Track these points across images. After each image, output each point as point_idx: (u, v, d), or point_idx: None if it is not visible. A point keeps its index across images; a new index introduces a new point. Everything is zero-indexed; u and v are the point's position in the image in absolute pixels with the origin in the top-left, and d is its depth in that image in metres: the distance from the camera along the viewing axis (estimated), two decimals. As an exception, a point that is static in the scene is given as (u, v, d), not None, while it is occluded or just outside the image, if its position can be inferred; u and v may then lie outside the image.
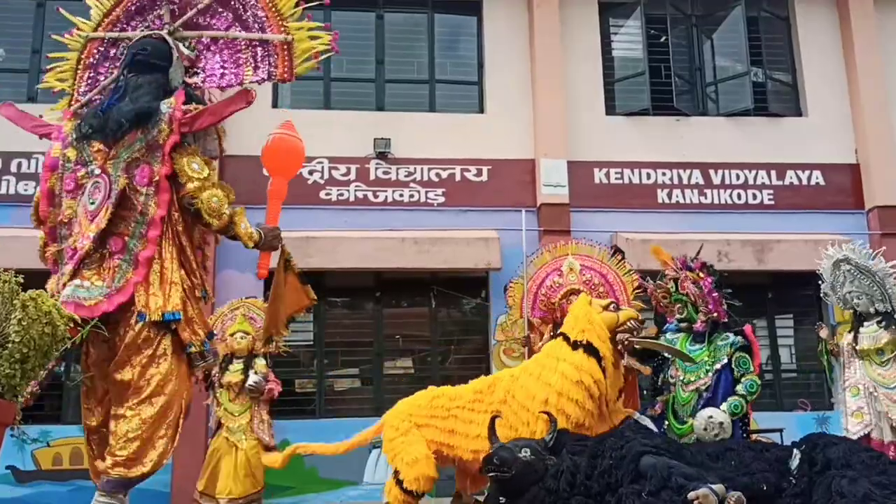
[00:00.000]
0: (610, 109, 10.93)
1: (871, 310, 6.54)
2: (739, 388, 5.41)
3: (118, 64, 4.42)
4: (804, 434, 5.02)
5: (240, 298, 8.37)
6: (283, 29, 4.23)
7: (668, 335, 5.98)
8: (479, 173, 10.46)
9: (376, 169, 10.34)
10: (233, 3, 4.39)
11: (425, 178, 10.39)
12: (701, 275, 5.93)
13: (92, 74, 4.51)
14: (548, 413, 4.84)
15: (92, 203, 4.04)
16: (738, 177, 10.74)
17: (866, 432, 6.29)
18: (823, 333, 6.87)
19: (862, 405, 6.42)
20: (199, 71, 4.38)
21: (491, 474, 4.52)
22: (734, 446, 4.81)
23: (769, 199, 10.67)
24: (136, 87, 4.25)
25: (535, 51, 10.70)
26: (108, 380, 3.97)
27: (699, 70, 11.39)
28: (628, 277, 6.62)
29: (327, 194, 10.19)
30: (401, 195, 10.30)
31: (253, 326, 7.92)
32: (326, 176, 10.24)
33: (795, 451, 4.62)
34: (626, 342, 5.25)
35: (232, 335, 7.86)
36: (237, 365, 7.75)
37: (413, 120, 10.60)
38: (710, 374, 5.49)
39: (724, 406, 5.34)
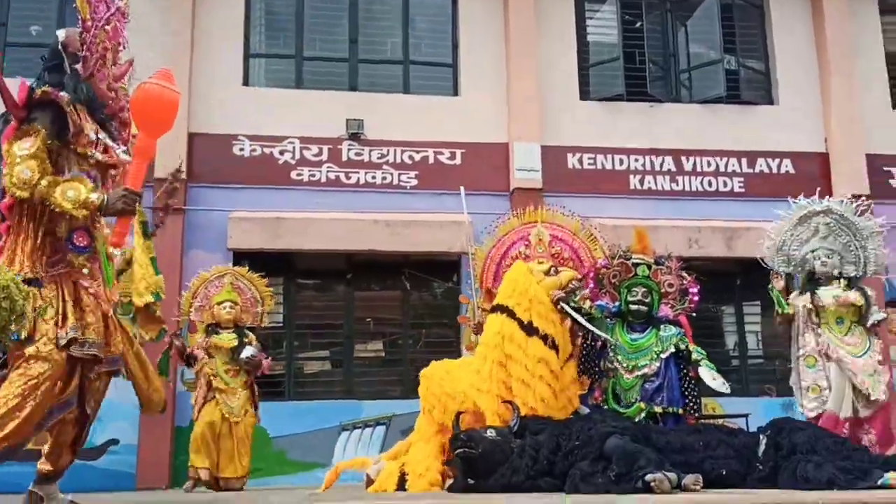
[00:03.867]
0: (584, 94, 10.91)
1: (836, 272, 6.15)
2: (695, 354, 5.59)
3: None
4: (770, 419, 5.06)
5: (226, 265, 8.14)
6: None
7: (605, 317, 5.83)
8: (453, 156, 10.41)
9: (349, 150, 10.24)
10: None
11: (398, 161, 10.32)
12: (685, 274, 5.97)
13: None
14: (510, 402, 4.92)
15: None
16: (709, 164, 10.79)
17: (822, 410, 5.89)
18: (780, 285, 6.32)
19: (818, 378, 5.99)
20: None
21: (458, 451, 4.58)
22: (701, 430, 4.86)
23: (740, 187, 10.75)
24: None
25: (510, 32, 10.64)
26: None
27: (673, 56, 11.41)
28: (600, 254, 6.33)
29: (298, 175, 10.08)
30: (373, 177, 10.23)
31: (241, 297, 7.61)
32: (298, 156, 10.13)
33: (762, 436, 4.66)
34: (557, 302, 5.35)
35: (219, 304, 7.47)
36: (229, 335, 7.40)
37: (386, 101, 10.50)
38: (656, 362, 5.54)
39: (703, 371, 5.45)
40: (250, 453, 7.43)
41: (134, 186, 3.83)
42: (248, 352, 7.36)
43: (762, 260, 6.57)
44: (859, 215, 6.30)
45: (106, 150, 3.96)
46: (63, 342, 3.57)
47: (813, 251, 6.25)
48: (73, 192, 3.69)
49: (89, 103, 3.92)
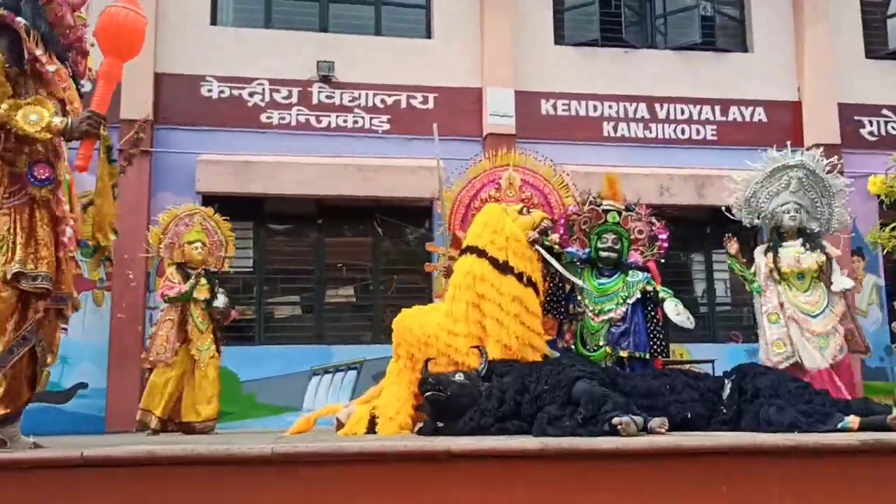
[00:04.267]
0: (559, 39, 10.79)
1: (802, 227, 6.19)
2: (662, 293, 5.62)
3: None
4: (736, 365, 5.13)
5: (193, 204, 7.97)
6: None
7: (574, 262, 5.84)
8: (426, 101, 10.28)
9: (319, 93, 10.08)
10: None
11: (370, 104, 10.18)
12: (655, 220, 5.97)
13: None
14: (478, 347, 4.93)
15: None
16: (682, 111, 10.77)
17: (790, 363, 5.93)
18: (733, 249, 6.33)
19: (781, 334, 6.03)
20: None
21: (428, 394, 4.60)
22: (667, 374, 4.93)
23: (712, 135, 10.75)
24: None
25: (484, -26, 10.45)
26: None
27: (649, 1, 11.29)
28: (570, 202, 6.28)
29: (268, 118, 9.92)
30: (344, 121, 10.09)
31: (209, 238, 7.49)
32: (267, 98, 9.95)
33: (727, 381, 4.73)
34: (533, 243, 5.36)
35: (190, 243, 7.36)
36: (201, 280, 7.28)
37: (358, 43, 10.31)
38: (622, 306, 5.58)
39: (668, 304, 5.50)
40: (219, 395, 7.37)
41: (99, 109, 3.73)
42: (221, 300, 7.33)
43: (728, 211, 6.57)
44: (829, 172, 6.31)
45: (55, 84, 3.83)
46: (10, 275, 3.49)
47: (783, 205, 6.23)
48: (36, 116, 3.57)
49: (47, 33, 3.77)
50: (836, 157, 6.60)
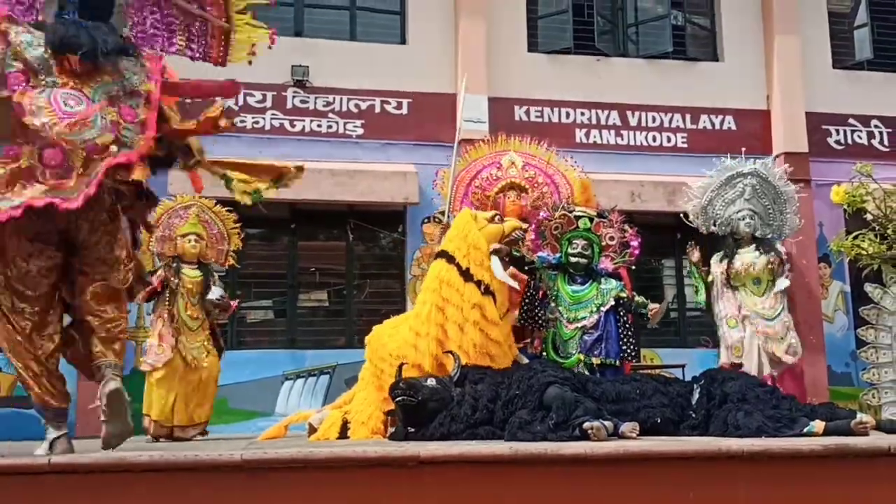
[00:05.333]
0: (532, 46, 10.86)
1: (756, 234, 6.38)
2: (634, 305, 5.69)
3: None
4: (705, 369, 5.20)
5: (192, 195, 7.71)
6: (225, 15, 4.35)
7: (545, 268, 5.87)
8: (399, 106, 10.30)
9: (293, 97, 10.06)
10: None
11: (344, 109, 10.18)
12: (627, 227, 6.01)
13: None
14: (451, 352, 4.94)
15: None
16: (654, 119, 10.88)
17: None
18: (695, 257, 6.48)
19: (742, 337, 6.22)
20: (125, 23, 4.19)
21: (398, 399, 4.60)
22: (638, 379, 4.97)
23: (682, 143, 10.87)
24: (95, 26, 4.10)
25: (458, -19, 10.49)
26: None
27: (621, 10, 11.40)
28: (576, 180, 6.27)
29: (242, 122, 9.85)
30: (318, 125, 10.08)
31: (207, 231, 7.08)
32: (241, 102, 9.89)
33: (696, 386, 4.79)
34: (500, 253, 5.38)
35: (184, 236, 6.94)
36: (193, 271, 6.91)
37: (332, 48, 10.31)
38: (595, 314, 5.61)
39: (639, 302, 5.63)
40: (212, 400, 7.00)
41: None
42: (215, 293, 6.98)
43: (685, 217, 6.70)
44: (782, 179, 6.51)
45: None
46: None
47: (738, 212, 6.42)
48: None
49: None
50: (788, 165, 6.81)
